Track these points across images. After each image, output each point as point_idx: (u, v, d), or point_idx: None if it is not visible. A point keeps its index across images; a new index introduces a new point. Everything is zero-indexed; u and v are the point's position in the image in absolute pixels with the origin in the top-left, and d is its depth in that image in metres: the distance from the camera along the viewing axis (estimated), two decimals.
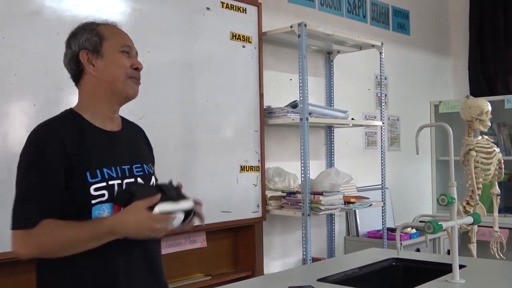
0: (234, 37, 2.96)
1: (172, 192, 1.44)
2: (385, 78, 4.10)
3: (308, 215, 2.95)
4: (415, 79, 4.63)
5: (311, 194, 3.00)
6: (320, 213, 3.02)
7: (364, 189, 3.79)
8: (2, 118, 2.09)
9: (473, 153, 2.93)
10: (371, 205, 3.37)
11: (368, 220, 3.85)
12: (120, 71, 1.52)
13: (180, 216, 1.43)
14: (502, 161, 3.01)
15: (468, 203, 2.99)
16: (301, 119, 2.98)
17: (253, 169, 3.02)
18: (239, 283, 1.88)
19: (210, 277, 2.87)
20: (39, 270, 1.48)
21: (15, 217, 1.40)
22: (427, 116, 4.54)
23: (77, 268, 1.42)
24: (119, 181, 1.47)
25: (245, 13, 3.03)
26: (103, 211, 1.43)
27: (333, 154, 3.72)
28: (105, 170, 1.45)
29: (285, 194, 3.13)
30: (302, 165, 3.00)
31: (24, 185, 1.42)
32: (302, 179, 3.00)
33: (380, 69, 3.60)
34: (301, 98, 3.00)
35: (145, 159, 1.61)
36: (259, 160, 3.05)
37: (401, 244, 3.43)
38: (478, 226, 3.02)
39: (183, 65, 2.72)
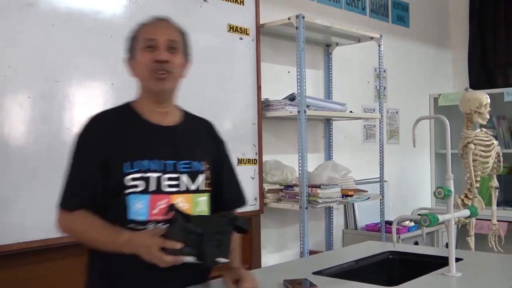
0: (231, 29, 2.94)
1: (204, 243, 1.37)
2: (384, 71, 4.08)
3: (306, 208, 2.94)
4: (414, 72, 4.60)
5: (308, 187, 2.99)
6: (317, 206, 3.02)
7: (363, 182, 3.78)
8: None
9: (472, 146, 2.92)
10: (369, 198, 3.36)
11: (367, 213, 3.85)
12: (143, 69, 1.55)
13: (191, 260, 1.38)
14: (501, 154, 3.00)
15: (466, 196, 2.99)
16: (298, 112, 2.97)
17: (251, 162, 3.01)
18: None
19: None
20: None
21: (60, 196, 1.53)
22: (427, 109, 4.52)
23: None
24: (159, 174, 1.51)
25: (243, 4, 3.01)
26: (138, 201, 1.48)
27: (331, 147, 3.71)
28: (144, 162, 1.50)
29: (283, 187, 3.13)
30: (300, 158, 2.99)
31: (69, 172, 1.54)
32: (300, 172, 2.99)
33: (379, 62, 3.58)
34: (299, 91, 2.98)
35: (198, 157, 1.60)
36: (256, 153, 3.04)
37: (399, 237, 3.43)
38: (476, 219, 3.02)
39: None
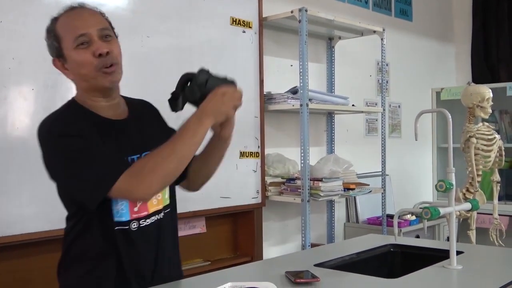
0: (234, 22, 2.94)
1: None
2: (387, 65, 4.08)
3: (308, 201, 2.95)
4: (417, 66, 4.60)
5: (310, 180, 3.00)
6: (319, 199, 3.03)
7: (364, 176, 3.79)
8: (1, 103, 2.09)
9: (474, 140, 2.92)
10: (370, 191, 3.37)
11: (368, 207, 3.86)
12: (85, 69, 1.42)
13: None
14: (503, 148, 3.01)
15: (468, 190, 2.99)
16: (301, 105, 2.97)
17: (253, 155, 3.02)
18: (238, 267, 1.89)
19: (210, 263, 2.88)
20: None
21: (100, 177, 1.35)
22: (429, 103, 4.52)
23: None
24: None
25: None
26: (118, 201, 1.43)
27: (334, 141, 3.72)
28: None
29: (285, 180, 3.14)
30: (302, 151, 3.00)
31: (84, 161, 1.36)
32: (302, 165, 3.00)
33: (382, 56, 3.58)
34: (302, 84, 2.98)
35: (155, 144, 1.47)
36: (259, 146, 3.05)
37: (400, 230, 3.44)
38: (477, 213, 3.03)
39: (182, 50, 2.70)
